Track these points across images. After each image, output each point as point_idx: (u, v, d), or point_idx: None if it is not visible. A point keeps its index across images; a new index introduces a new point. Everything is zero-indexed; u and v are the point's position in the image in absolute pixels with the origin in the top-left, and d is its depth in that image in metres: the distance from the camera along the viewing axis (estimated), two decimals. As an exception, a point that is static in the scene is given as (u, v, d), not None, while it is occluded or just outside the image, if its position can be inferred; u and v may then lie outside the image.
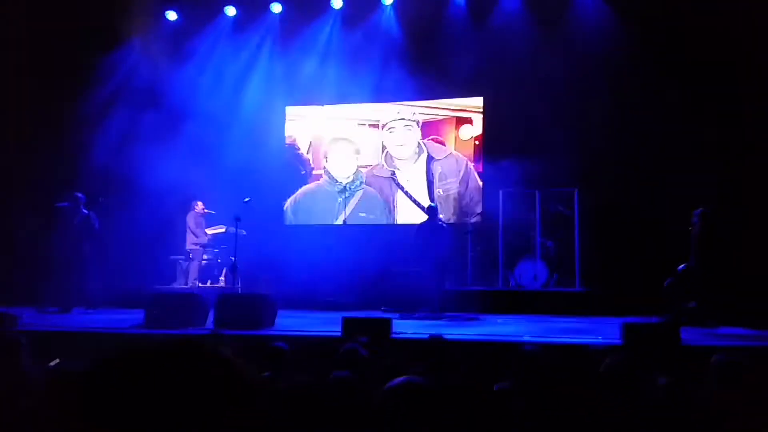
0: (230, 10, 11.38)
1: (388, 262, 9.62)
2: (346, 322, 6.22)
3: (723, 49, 8.82)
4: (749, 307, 7.63)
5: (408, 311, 8.53)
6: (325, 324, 7.25)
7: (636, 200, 9.28)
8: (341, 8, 11.06)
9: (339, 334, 6.16)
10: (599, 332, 6.68)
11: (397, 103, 10.94)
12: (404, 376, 2.44)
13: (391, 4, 10.91)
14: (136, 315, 7.53)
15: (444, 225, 8.84)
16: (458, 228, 9.96)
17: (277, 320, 7.48)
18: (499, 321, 8.29)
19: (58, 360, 4.17)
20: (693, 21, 9.05)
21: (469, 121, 10.73)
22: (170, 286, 9.82)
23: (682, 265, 7.86)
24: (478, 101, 10.59)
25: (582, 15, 10.03)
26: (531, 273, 10.18)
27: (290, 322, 7.62)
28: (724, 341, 6.24)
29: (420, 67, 10.39)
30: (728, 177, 8.41)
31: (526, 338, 6.34)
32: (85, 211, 9.21)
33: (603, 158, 9.52)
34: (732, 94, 8.65)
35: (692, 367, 4.26)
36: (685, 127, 8.94)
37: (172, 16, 11.45)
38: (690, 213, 8.25)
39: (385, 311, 8.92)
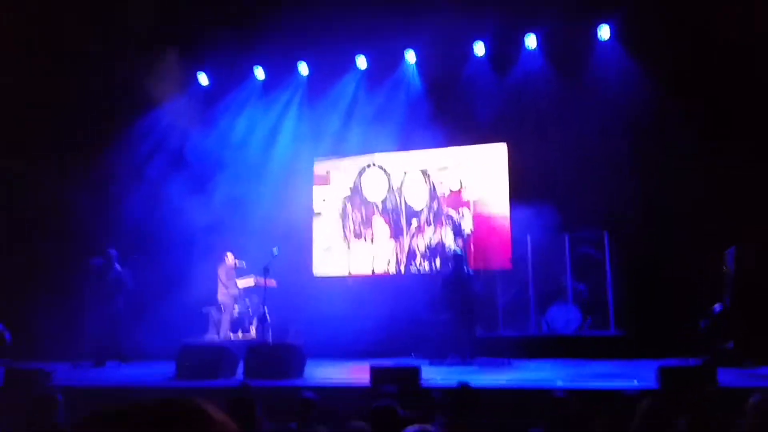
0: (259, 73, 11.78)
1: (418, 310, 9.58)
2: (375, 372, 6.18)
3: (746, 94, 8.79)
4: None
5: (438, 358, 8.45)
6: (354, 372, 7.22)
7: (667, 240, 9.13)
8: (366, 68, 11.36)
9: (368, 383, 6.13)
10: (634, 376, 6.51)
11: (419, 150, 11.05)
12: (417, 426, 2.43)
13: (415, 63, 11.18)
14: (168, 367, 7.63)
15: (471, 273, 8.79)
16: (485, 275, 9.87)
17: (306, 369, 7.48)
18: (531, 366, 8.15)
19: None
20: (715, 66, 9.06)
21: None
22: (202, 338, 9.91)
23: (718, 306, 7.69)
24: (501, 147, 10.63)
25: (603, 63, 10.11)
26: (564, 317, 10.01)
27: (319, 372, 7.61)
28: (763, 382, 6.04)
29: (443, 115, 10.56)
30: (760, 215, 8.25)
31: (559, 383, 6.22)
32: (117, 267, 9.42)
33: (631, 200, 9.43)
34: (759, 136, 8.57)
35: (730, 408, 4.15)
36: (711, 167, 8.83)
37: (203, 79, 11.91)
38: (723, 252, 8.10)
39: (415, 357, 8.86)
